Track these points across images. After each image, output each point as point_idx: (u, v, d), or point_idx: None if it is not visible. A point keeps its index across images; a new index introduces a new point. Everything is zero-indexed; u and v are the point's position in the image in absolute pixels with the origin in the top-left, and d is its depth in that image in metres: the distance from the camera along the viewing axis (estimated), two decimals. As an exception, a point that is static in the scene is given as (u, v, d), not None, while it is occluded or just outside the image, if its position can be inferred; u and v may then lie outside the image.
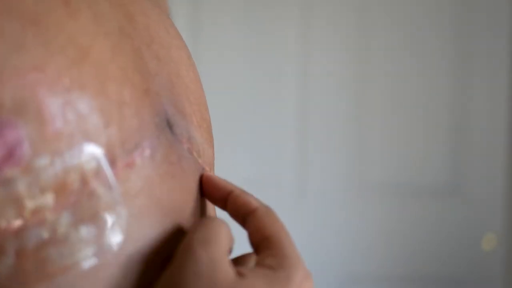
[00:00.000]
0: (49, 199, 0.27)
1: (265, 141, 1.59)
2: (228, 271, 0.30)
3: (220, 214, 1.56)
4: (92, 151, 0.28)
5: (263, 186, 1.59)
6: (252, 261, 0.37)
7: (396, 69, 1.58)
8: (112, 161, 0.29)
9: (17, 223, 0.26)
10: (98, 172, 0.28)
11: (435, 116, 1.59)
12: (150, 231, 0.31)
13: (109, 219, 0.29)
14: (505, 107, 1.58)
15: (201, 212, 0.36)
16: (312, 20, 1.58)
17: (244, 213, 0.35)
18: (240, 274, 0.30)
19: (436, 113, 1.59)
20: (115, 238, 0.29)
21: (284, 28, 1.58)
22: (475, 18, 1.58)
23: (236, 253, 1.60)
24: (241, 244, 1.59)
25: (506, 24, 1.58)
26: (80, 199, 0.28)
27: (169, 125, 0.34)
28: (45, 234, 0.27)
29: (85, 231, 0.28)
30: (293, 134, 1.59)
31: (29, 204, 0.26)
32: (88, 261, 0.28)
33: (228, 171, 1.59)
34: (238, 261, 0.37)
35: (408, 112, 1.59)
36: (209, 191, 0.36)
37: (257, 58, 1.58)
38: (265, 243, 0.33)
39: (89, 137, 0.28)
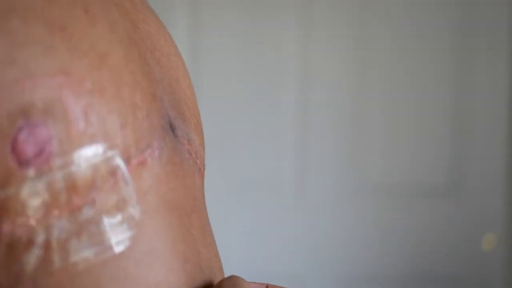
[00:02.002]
0: (73, 194, 0.29)
1: (265, 141, 1.59)
2: None
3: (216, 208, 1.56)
4: (111, 150, 0.30)
5: (263, 186, 1.59)
6: None
7: (396, 69, 1.58)
8: (127, 160, 0.31)
9: (44, 216, 0.28)
10: (116, 169, 0.31)
11: (435, 116, 1.59)
12: (159, 227, 0.33)
13: (125, 214, 0.31)
14: (505, 107, 1.58)
15: (200, 208, 0.38)
16: (312, 20, 1.58)
17: None
18: None
19: (436, 113, 1.59)
20: (131, 232, 0.31)
21: (284, 28, 1.58)
22: (475, 18, 1.57)
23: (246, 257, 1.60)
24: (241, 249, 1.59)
25: (506, 24, 1.58)
26: (101, 194, 0.30)
27: (172, 128, 0.36)
28: (69, 227, 0.29)
29: (103, 224, 0.30)
30: (293, 135, 1.59)
31: (56, 198, 0.29)
32: (108, 252, 0.30)
33: (228, 171, 1.59)
34: None
35: (408, 112, 1.59)
36: None
37: (257, 58, 1.58)
38: None
39: (108, 137, 0.30)
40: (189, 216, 0.36)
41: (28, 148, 0.28)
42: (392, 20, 1.57)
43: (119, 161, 0.31)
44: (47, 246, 0.28)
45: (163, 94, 0.35)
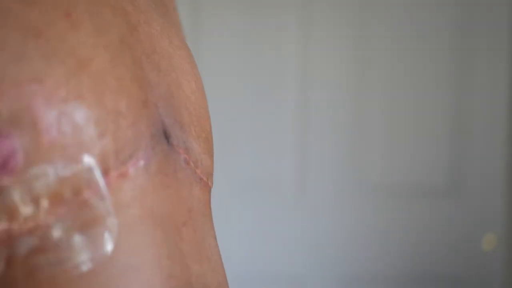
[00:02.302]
0: (41, 208, 0.27)
1: (265, 141, 1.59)
2: None
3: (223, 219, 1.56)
4: (86, 161, 0.29)
5: (263, 186, 1.59)
6: None
7: (396, 69, 1.58)
8: (105, 171, 0.29)
9: (8, 231, 0.27)
10: (90, 182, 0.29)
11: (435, 116, 1.59)
12: (139, 242, 0.31)
13: (100, 229, 0.29)
14: (505, 107, 1.58)
15: (196, 220, 0.36)
16: (312, 20, 1.58)
17: None
18: None
19: (436, 113, 1.59)
20: (105, 248, 0.29)
21: (284, 28, 1.58)
22: (475, 18, 1.57)
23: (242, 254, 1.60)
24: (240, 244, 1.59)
25: (506, 24, 1.58)
26: (72, 209, 0.28)
27: (166, 136, 0.34)
28: (36, 243, 0.27)
29: (75, 240, 0.28)
30: (293, 135, 1.59)
31: (21, 213, 0.27)
32: (77, 270, 0.28)
33: (228, 171, 1.59)
34: None
35: (408, 112, 1.59)
36: None
37: (257, 58, 1.58)
38: None
39: (83, 148, 0.28)
40: (179, 229, 0.33)
41: None
42: (392, 20, 1.57)
43: (95, 173, 0.29)
44: (9, 262, 0.27)
45: (158, 100, 0.34)
